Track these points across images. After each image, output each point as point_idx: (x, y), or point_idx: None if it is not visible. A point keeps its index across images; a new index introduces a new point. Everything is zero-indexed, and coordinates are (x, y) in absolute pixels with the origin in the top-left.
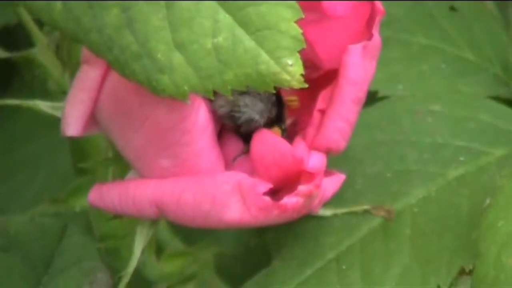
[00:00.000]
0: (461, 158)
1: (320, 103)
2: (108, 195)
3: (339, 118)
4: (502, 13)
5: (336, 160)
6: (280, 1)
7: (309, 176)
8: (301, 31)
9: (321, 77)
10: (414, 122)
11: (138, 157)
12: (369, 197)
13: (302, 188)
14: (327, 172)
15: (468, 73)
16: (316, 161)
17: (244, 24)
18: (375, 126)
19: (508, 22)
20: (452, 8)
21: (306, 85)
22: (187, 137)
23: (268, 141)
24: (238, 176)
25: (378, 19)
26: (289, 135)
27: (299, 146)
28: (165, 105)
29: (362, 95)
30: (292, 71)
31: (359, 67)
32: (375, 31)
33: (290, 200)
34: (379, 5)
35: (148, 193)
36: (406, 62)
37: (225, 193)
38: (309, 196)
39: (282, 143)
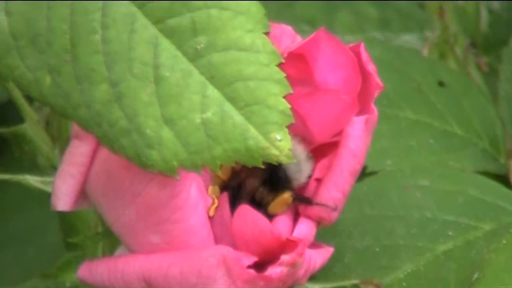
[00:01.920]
0: (450, 233)
1: (317, 172)
2: (97, 270)
3: (335, 188)
4: (490, 88)
5: (325, 234)
6: (268, 76)
7: (293, 245)
8: (289, 106)
9: (312, 151)
10: (402, 197)
11: (127, 232)
12: (358, 271)
13: (285, 257)
14: (316, 245)
15: (456, 148)
16: (302, 229)
17: (232, 99)
18: (364, 200)
19: (496, 97)
20: (441, 83)
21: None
22: (178, 214)
23: (248, 217)
24: (223, 250)
25: (376, 94)
26: None
27: (282, 220)
28: (157, 182)
29: (359, 167)
30: (280, 146)
31: (360, 139)
32: (374, 106)
33: (274, 271)
34: (377, 79)
35: (136, 268)
36: (395, 137)
37: (211, 267)
38: (293, 265)
39: (262, 219)
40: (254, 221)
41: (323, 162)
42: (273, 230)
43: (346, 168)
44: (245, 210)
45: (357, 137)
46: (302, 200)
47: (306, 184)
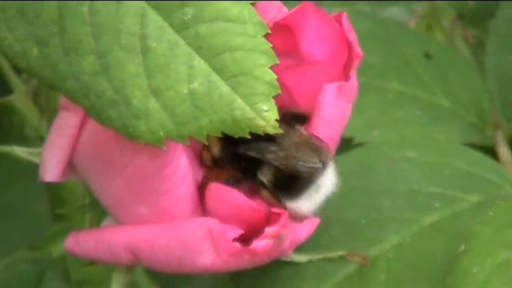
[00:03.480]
0: (436, 205)
1: None
2: (84, 242)
3: None
4: (477, 60)
5: None
6: (255, 47)
7: (277, 217)
8: (276, 77)
9: None
10: (389, 169)
11: (115, 203)
12: (344, 243)
13: (269, 230)
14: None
15: (443, 120)
16: None
17: (219, 70)
18: (350, 173)
19: (483, 69)
20: (428, 56)
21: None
22: (167, 185)
23: (222, 195)
24: (209, 222)
25: (356, 63)
26: None
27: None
28: (146, 153)
29: (335, 135)
30: (267, 117)
31: (333, 107)
32: (353, 74)
33: (260, 244)
34: (357, 49)
35: (123, 240)
36: (382, 109)
37: (197, 239)
38: (277, 237)
39: (236, 195)
40: (228, 198)
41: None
42: (251, 204)
43: (322, 137)
44: (218, 188)
45: (329, 105)
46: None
47: None
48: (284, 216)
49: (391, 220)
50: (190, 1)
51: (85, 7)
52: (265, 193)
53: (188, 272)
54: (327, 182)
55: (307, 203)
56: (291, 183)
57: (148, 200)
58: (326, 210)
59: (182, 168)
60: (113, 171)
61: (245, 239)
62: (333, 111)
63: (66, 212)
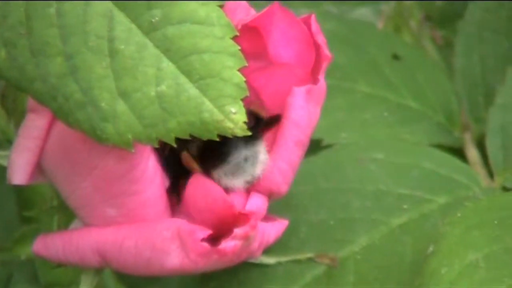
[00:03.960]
0: (404, 206)
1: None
2: (52, 244)
3: (281, 160)
4: (446, 61)
5: (280, 208)
6: (223, 49)
7: (246, 218)
8: (244, 79)
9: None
10: (357, 170)
11: (84, 205)
12: (313, 245)
13: (238, 230)
14: (269, 218)
15: (411, 121)
16: (254, 203)
17: (187, 72)
18: (319, 174)
19: (452, 70)
20: (395, 57)
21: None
22: (135, 187)
23: (201, 186)
24: (177, 223)
25: (324, 65)
26: None
27: (235, 194)
28: (114, 155)
29: (305, 138)
30: (235, 119)
31: (302, 110)
32: (321, 77)
33: (228, 244)
34: (326, 51)
35: (91, 242)
36: (349, 110)
37: (165, 240)
38: (246, 239)
39: (215, 188)
40: (207, 189)
41: (268, 135)
42: (226, 198)
43: (290, 139)
44: (199, 179)
45: (298, 107)
46: None
47: None
48: (253, 218)
49: (360, 222)
50: (158, 1)
51: (52, 8)
52: (185, 156)
53: (157, 273)
54: (258, 157)
55: (236, 176)
56: (217, 151)
57: (116, 202)
58: (295, 211)
59: (150, 170)
60: (81, 173)
61: (213, 240)
62: (302, 114)
63: (34, 214)
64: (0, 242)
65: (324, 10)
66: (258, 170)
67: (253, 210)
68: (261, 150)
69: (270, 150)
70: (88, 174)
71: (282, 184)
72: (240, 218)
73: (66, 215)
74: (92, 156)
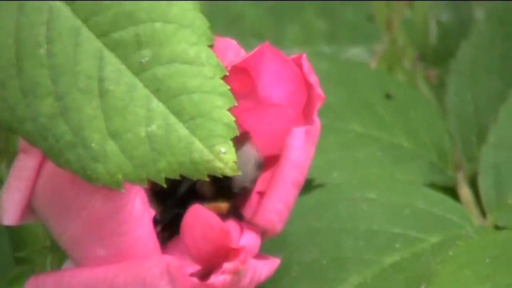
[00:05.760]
0: (397, 245)
1: (259, 185)
2: (44, 284)
3: (278, 199)
4: (440, 100)
5: (272, 247)
6: (212, 89)
7: (236, 253)
8: (234, 119)
9: None
10: (349, 209)
11: (74, 246)
12: (305, 284)
13: (227, 265)
14: (262, 256)
15: (404, 160)
16: (248, 239)
17: (177, 112)
18: (311, 213)
19: (445, 109)
20: (388, 96)
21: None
22: (124, 227)
23: (199, 214)
24: (166, 259)
25: (318, 105)
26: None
27: (230, 224)
28: (101, 195)
29: (302, 178)
30: (225, 159)
31: (301, 150)
32: (315, 117)
33: (217, 279)
34: (319, 90)
35: (82, 281)
36: (342, 150)
37: (155, 277)
38: (235, 273)
39: (212, 216)
40: (204, 217)
41: (266, 174)
42: (222, 226)
43: (288, 180)
44: (197, 208)
45: (297, 148)
46: (236, 215)
47: (249, 196)
48: (243, 252)
49: (352, 261)
50: (148, 42)
51: (42, 49)
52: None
53: None
54: None
55: None
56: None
57: (105, 242)
58: (287, 250)
59: (137, 210)
60: (70, 214)
61: (203, 275)
62: (300, 154)
63: (27, 255)
64: None
65: (317, 49)
66: None
67: (248, 246)
68: None
69: (266, 189)
70: (77, 215)
71: (277, 223)
72: (231, 253)
73: (59, 255)
74: (80, 196)
